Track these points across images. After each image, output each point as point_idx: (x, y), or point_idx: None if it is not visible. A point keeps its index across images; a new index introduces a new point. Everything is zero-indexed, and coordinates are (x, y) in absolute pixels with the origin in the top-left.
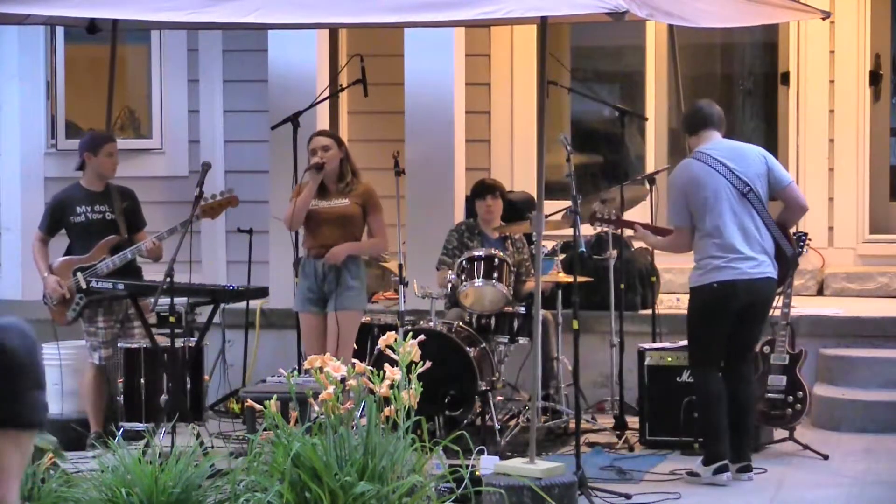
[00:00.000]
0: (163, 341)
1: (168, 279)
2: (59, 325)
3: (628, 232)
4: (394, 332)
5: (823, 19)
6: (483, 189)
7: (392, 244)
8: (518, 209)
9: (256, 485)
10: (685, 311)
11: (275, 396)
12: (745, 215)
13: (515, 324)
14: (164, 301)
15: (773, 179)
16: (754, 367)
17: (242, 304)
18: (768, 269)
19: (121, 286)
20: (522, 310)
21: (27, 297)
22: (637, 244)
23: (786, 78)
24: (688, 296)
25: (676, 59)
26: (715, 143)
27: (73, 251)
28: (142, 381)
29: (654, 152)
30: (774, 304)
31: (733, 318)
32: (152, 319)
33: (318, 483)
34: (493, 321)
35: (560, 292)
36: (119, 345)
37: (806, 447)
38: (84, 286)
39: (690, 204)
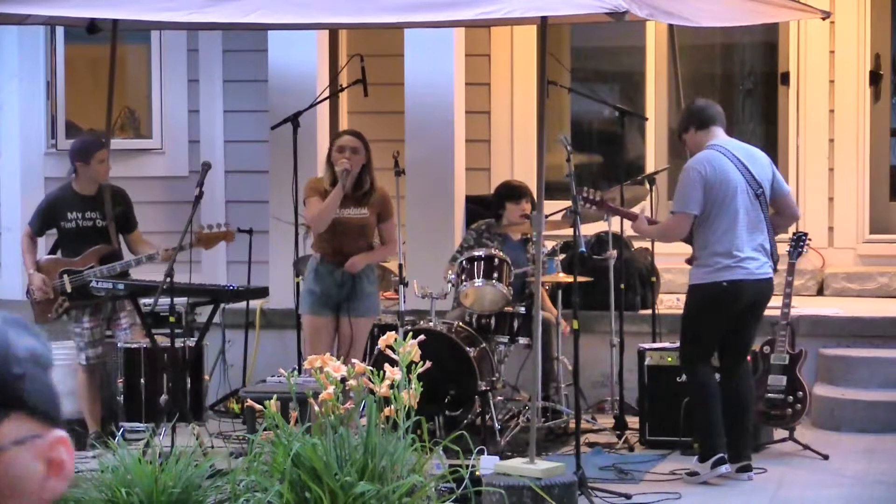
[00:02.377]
0: (163, 341)
1: (168, 279)
2: (39, 323)
3: (629, 232)
4: (394, 332)
5: (823, 19)
6: (519, 192)
7: None
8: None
9: (256, 485)
10: None
11: (275, 396)
12: (755, 215)
13: (515, 324)
14: (165, 301)
15: (777, 186)
16: (754, 367)
17: (242, 304)
18: (770, 269)
19: (121, 286)
20: (522, 310)
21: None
22: (637, 244)
23: (786, 78)
24: (679, 296)
25: (676, 59)
26: (727, 140)
27: (60, 253)
28: (142, 381)
29: (654, 152)
30: (773, 305)
31: (735, 317)
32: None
33: (318, 483)
34: (493, 321)
35: (560, 292)
36: (119, 345)
37: (806, 447)
38: (69, 290)
39: (710, 195)
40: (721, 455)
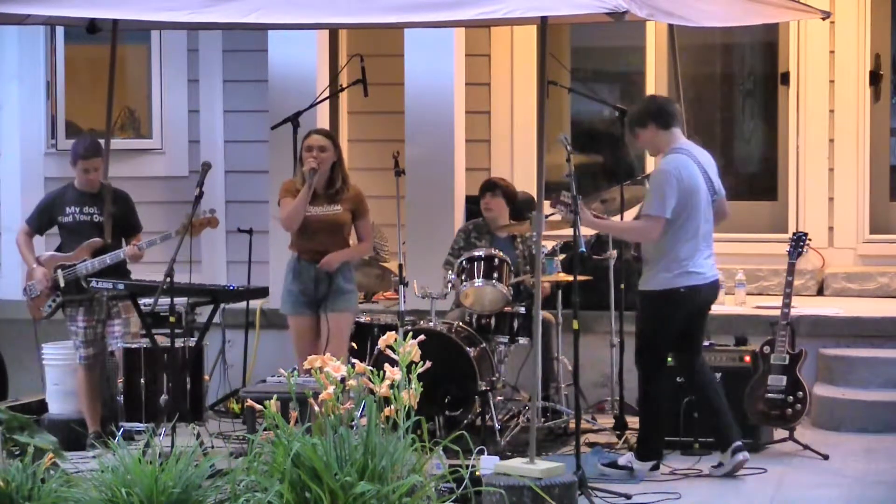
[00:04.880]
0: (163, 341)
1: (168, 279)
2: (34, 319)
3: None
4: (394, 332)
5: (823, 19)
6: (483, 187)
7: (392, 244)
8: (519, 209)
9: (256, 485)
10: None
11: (275, 396)
12: (709, 219)
13: (515, 324)
14: (165, 301)
15: (718, 188)
16: (754, 367)
17: (242, 304)
18: (717, 271)
19: (121, 286)
20: (522, 310)
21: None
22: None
23: (786, 78)
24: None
25: (676, 59)
26: (689, 144)
27: (62, 250)
28: (142, 381)
29: None
30: (773, 305)
31: (691, 319)
32: (137, 319)
33: (318, 483)
34: (493, 321)
35: (560, 292)
36: (119, 345)
37: (806, 447)
38: (62, 284)
39: (681, 202)
40: (656, 461)
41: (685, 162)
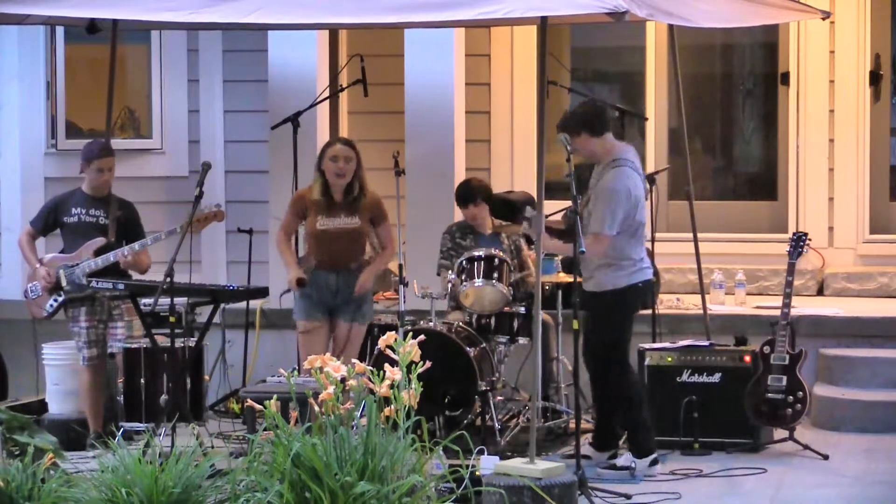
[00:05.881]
0: (163, 341)
1: (168, 279)
2: (36, 319)
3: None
4: (394, 332)
5: (823, 19)
6: (464, 198)
7: None
8: (517, 209)
9: (256, 485)
10: (686, 311)
11: (275, 396)
12: (645, 220)
13: (515, 324)
14: (165, 301)
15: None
16: (754, 366)
17: (242, 304)
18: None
19: (121, 286)
20: (522, 310)
21: None
22: None
23: (786, 78)
24: (679, 296)
25: (676, 59)
26: (625, 150)
27: (64, 252)
28: (142, 381)
29: (653, 152)
30: (773, 305)
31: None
32: (138, 321)
33: (318, 483)
34: (493, 321)
35: (560, 292)
36: (118, 345)
37: (806, 447)
38: (64, 284)
39: (631, 213)
40: (654, 456)
41: (631, 176)
